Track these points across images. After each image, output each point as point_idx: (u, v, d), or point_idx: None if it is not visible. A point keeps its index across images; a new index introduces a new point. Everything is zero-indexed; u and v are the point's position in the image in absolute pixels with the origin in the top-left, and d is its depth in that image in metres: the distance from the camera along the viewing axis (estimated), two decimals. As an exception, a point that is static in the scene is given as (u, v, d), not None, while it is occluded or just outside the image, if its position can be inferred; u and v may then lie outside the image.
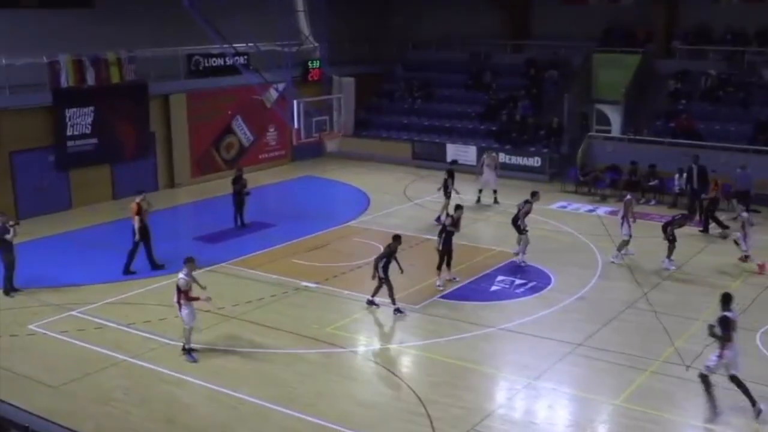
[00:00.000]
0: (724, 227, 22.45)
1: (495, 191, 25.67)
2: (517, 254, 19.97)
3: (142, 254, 19.37)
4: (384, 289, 16.71)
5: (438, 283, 18.04)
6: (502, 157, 29.06)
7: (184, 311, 14.56)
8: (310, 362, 14.53)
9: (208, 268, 19.60)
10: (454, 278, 18.45)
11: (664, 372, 14.00)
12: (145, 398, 13.31)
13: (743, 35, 29.90)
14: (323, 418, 12.55)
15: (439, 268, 18.07)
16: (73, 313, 16.90)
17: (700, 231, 22.74)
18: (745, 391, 12.48)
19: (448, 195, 23.20)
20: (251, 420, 12.59)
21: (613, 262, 19.85)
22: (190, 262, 14.80)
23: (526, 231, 19.83)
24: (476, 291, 18.07)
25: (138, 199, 19.25)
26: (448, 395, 13.21)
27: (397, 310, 16.69)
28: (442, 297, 17.70)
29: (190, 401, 13.19)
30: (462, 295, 17.85)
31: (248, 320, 16.48)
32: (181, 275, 14.64)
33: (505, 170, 27.93)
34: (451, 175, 23.50)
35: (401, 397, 13.27)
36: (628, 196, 20.48)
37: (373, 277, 16.79)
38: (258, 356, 14.86)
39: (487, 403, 13.16)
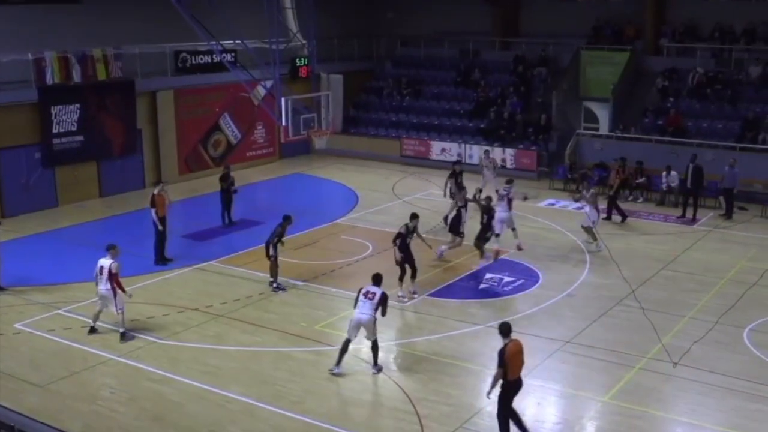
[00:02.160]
0: (623, 216, 23.40)
1: (497, 191, 25.33)
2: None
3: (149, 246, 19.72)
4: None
5: (400, 293, 17.26)
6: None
7: (118, 297, 15.13)
8: (298, 360, 14.49)
9: (196, 266, 19.58)
10: (414, 292, 17.47)
11: (651, 368, 14.04)
12: (132, 397, 13.24)
13: (731, 33, 30.00)
14: (311, 416, 12.53)
15: (400, 279, 17.33)
16: (60, 311, 16.81)
17: (604, 218, 23.20)
18: (375, 353, 13.78)
19: (451, 195, 23.06)
20: (239, 418, 12.55)
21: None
22: (113, 249, 15.28)
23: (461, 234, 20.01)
24: (465, 288, 18.07)
25: (156, 190, 19.53)
26: (436, 392, 13.21)
27: (278, 287, 17.81)
28: (431, 295, 17.67)
29: (178, 399, 13.13)
30: (450, 292, 17.84)
31: (236, 318, 16.43)
32: (112, 260, 15.07)
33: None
34: (453, 175, 23.37)
35: (389, 394, 13.26)
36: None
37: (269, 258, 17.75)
38: (246, 354, 14.82)
39: (475, 400, 13.15)
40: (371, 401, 13.02)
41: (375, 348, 13.85)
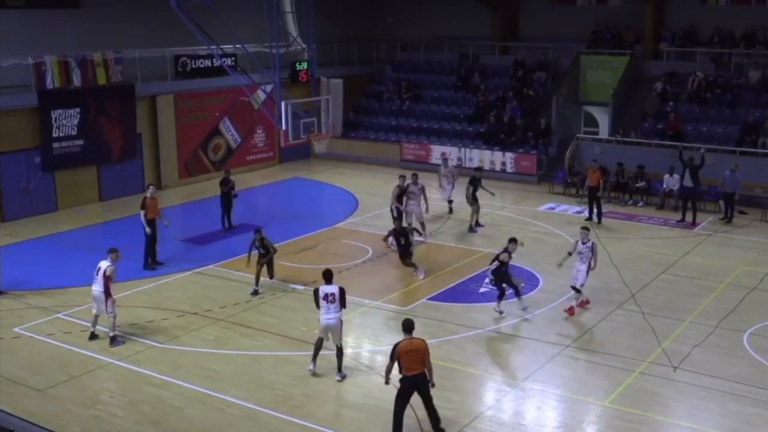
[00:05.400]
0: (589, 218, 23.52)
1: (450, 201, 24.52)
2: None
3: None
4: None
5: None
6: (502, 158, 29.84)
7: (110, 300, 15.07)
8: (298, 364, 14.46)
9: (196, 270, 19.57)
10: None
11: (651, 373, 14.03)
12: (131, 401, 13.23)
13: (730, 37, 30.03)
14: (311, 420, 12.51)
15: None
16: (60, 315, 16.80)
17: (586, 219, 23.55)
18: (339, 359, 13.85)
19: (469, 202, 22.84)
20: (239, 422, 12.53)
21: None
22: (114, 252, 15.29)
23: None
24: (465, 292, 18.06)
25: (148, 193, 19.66)
26: (436, 397, 13.11)
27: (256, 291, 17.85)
28: (431, 299, 17.68)
29: (178, 404, 13.11)
30: (451, 296, 17.83)
31: (236, 322, 16.41)
32: (110, 264, 15.11)
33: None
34: (473, 183, 22.91)
35: (389, 398, 13.18)
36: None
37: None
38: (246, 358, 14.80)
39: (475, 404, 13.15)
40: (371, 405, 12.99)
41: (340, 354, 13.88)
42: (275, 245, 18.35)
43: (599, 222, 23.41)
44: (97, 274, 15.15)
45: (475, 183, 23.08)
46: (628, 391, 13.40)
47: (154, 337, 15.62)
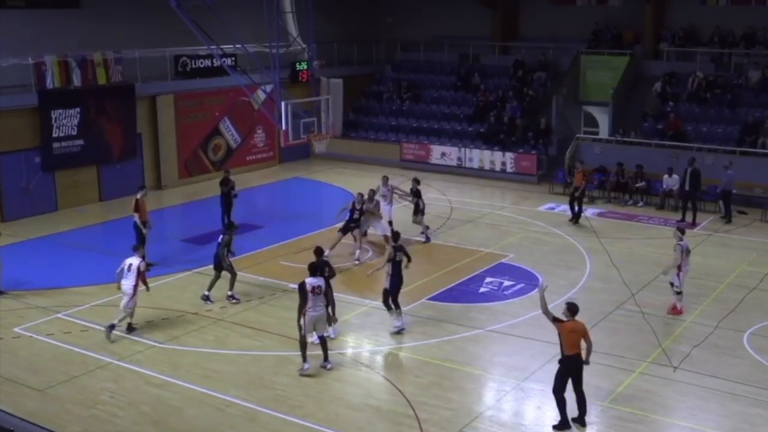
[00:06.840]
0: (577, 219, 23.56)
1: (390, 222, 21.42)
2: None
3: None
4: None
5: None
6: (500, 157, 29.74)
7: (136, 295, 15.42)
8: (298, 364, 14.45)
9: (196, 270, 19.56)
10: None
11: (651, 373, 14.03)
12: (131, 401, 13.22)
13: (730, 37, 30.03)
14: (311, 420, 12.51)
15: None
16: (60, 315, 16.79)
17: (570, 221, 23.56)
18: (324, 347, 14.13)
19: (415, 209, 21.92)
20: (239, 422, 12.54)
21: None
22: (140, 248, 16.13)
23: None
24: (465, 293, 18.06)
25: (139, 194, 19.58)
26: (436, 397, 13.19)
27: (231, 297, 17.38)
28: (431, 299, 17.67)
29: (178, 404, 13.11)
30: (451, 296, 17.83)
31: (236, 322, 16.41)
32: (141, 259, 15.55)
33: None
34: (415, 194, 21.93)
35: (389, 398, 13.24)
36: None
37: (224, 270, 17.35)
38: (245, 358, 14.80)
39: (475, 404, 13.15)
40: (371, 405, 13.00)
41: (324, 343, 14.23)
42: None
43: (571, 221, 23.50)
44: (129, 270, 15.45)
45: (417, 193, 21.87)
46: (628, 391, 13.40)
47: (154, 337, 15.62)
